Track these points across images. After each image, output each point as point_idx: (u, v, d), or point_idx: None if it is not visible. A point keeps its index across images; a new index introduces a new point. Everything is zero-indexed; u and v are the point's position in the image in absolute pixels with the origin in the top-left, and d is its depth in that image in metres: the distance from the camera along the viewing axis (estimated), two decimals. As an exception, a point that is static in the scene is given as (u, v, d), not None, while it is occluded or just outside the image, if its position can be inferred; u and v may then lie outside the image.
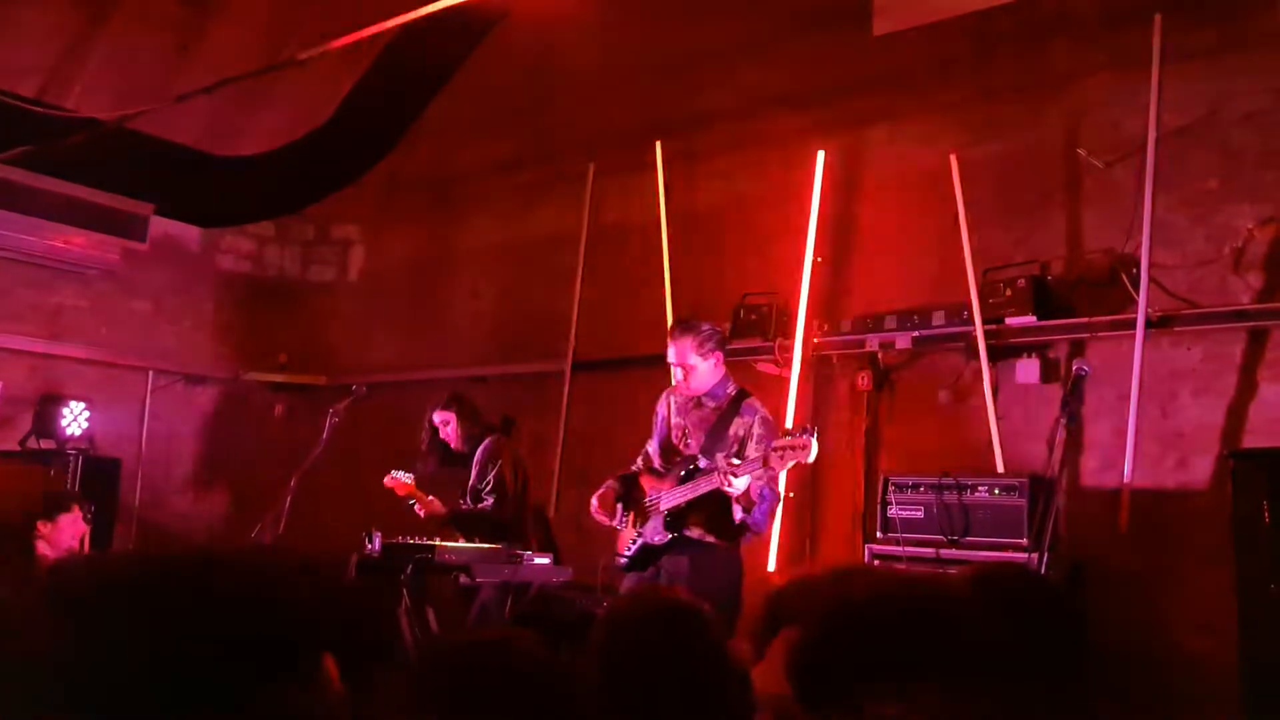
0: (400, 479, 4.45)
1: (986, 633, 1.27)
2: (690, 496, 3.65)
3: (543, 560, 3.78)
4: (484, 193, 6.57)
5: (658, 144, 5.61)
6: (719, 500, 3.61)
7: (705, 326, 3.84)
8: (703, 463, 3.69)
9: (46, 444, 5.42)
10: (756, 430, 3.75)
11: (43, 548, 3.85)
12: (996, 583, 1.92)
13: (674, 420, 3.92)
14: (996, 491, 4.07)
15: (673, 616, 1.75)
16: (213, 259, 6.82)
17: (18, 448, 5.45)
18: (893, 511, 4.23)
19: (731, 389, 3.88)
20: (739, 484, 3.46)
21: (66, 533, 3.90)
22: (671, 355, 3.81)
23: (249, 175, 6.53)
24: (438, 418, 4.62)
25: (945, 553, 4.02)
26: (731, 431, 3.77)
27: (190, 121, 5.99)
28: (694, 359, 3.77)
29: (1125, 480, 4.13)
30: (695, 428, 3.86)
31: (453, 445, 4.55)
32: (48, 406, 5.49)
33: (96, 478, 5.11)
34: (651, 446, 4.00)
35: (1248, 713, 3.08)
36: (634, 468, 3.98)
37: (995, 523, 4.04)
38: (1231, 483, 3.23)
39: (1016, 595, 1.86)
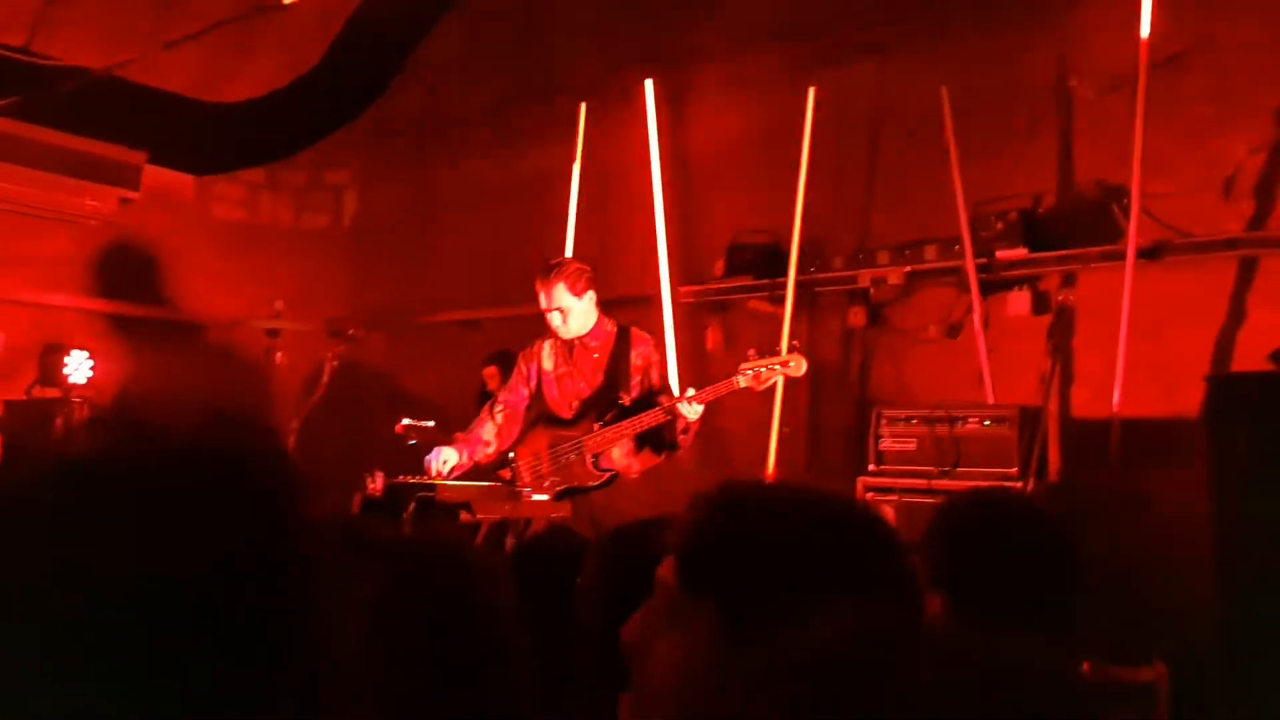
0: (419, 425, 4.48)
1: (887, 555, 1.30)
2: (629, 434, 3.79)
3: (541, 497, 3.87)
4: (475, 135, 6.55)
5: (648, 83, 5.59)
6: (647, 433, 3.82)
7: (573, 265, 3.92)
8: (625, 401, 3.83)
9: (52, 392, 5.49)
10: (653, 356, 3.97)
11: None
12: (990, 506, 1.98)
13: (559, 370, 4.00)
14: (987, 423, 4.13)
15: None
16: (206, 207, 6.83)
17: (24, 396, 5.53)
18: (884, 444, 4.30)
19: (610, 326, 4.00)
20: (699, 410, 3.64)
21: None
22: (543, 301, 3.89)
23: (239, 122, 6.50)
24: (485, 372, 4.74)
25: (937, 483, 4.09)
26: (632, 365, 3.90)
27: (180, 69, 5.96)
28: (568, 300, 3.86)
29: (1115, 410, 4.18)
30: (587, 371, 3.95)
31: None
32: (51, 356, 5.54)
33: (103, 424, 5.18)
34: (512, 399, 4.06)
35: (1219, 623, 3.18)
36: (485, 416, 4.07)
37: (986, 453, 4.11)
38: (1208, 407, 3.28)
39: (1009, 517, 1.92)
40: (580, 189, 5.86)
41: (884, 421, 4.33)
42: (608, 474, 3.88)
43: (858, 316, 4.93)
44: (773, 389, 4.36)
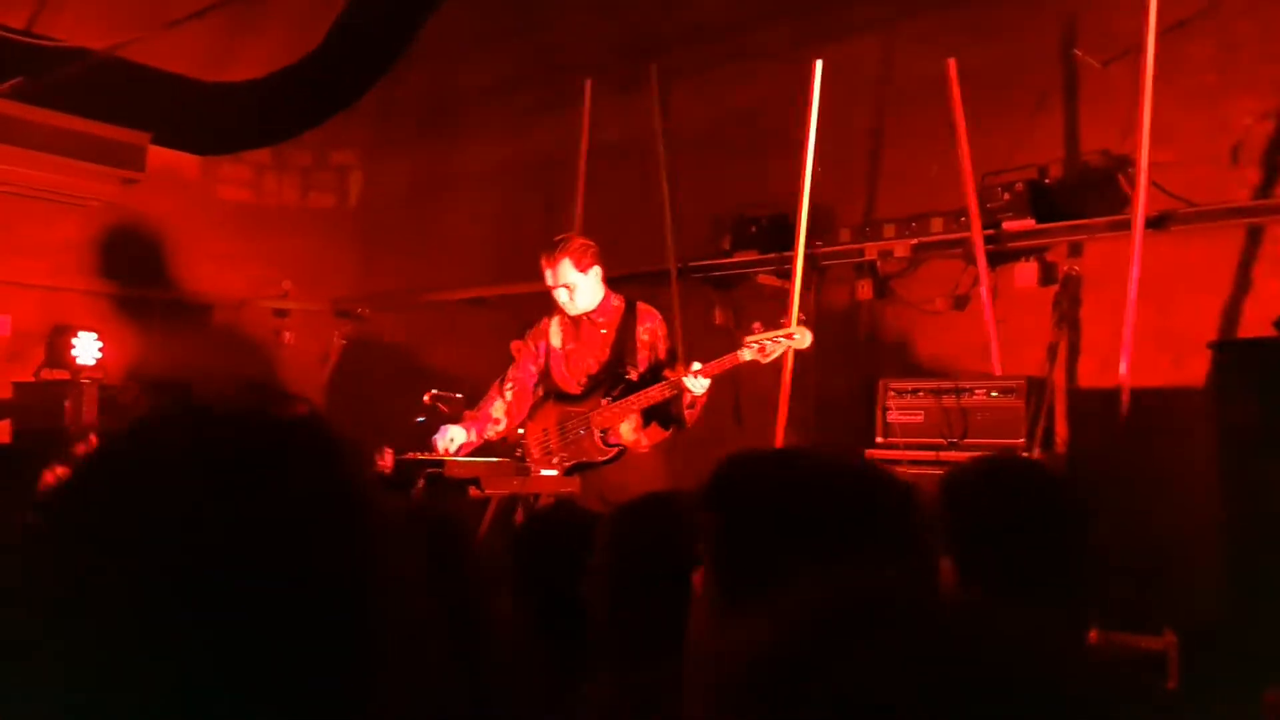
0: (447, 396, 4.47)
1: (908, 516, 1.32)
2: (638, 407, 3.81)
3: (550, 472, 3.89)
4: (481, 114, 6.53)
5: (653, 66, 5.57)
6: (655, 407, 3.85)
7: (577, 241, 3.93)
8: (633, 376, 3.84)
9: (60, 374, 5.52)
10: (660, 330, 3.98)
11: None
12: (999, 470, 1.98)
13: (567, 346, 4.02)
14: (994, 394, 4.14)
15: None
16: (212, 188, 6.83)
17: (33, 378, 5.55)
18: (892, 416, 4.31)
19: (617, 301, 4.02)
20: (706, 384, 3.66)
21: None
22: (549, 278, 3.91)
23: (244, 102, 6.49)
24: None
25: (944, 455, 4.10)
26: (639, 339, 3.91)
27: (183, 49, 5.94)
28: (574, 276, 3.88)
29: (1122, 379, 4.19)
30: (595, 347, 3.97)
31: None
32: (59, 337, 5.56)
33: (111, 407, 5.21)
34: (520, 376, 4.09)
35: (1228, 591, 3.19)
36: (494, 393, 4.08)
37: (993, 424, 4.11)
38: (1214, 374, 3.29)
39: (1018, 480, 1.93)
40: (587, 166, 5.85)
41: (891, 394, 4.34)
42: (616, 449, 3.91)
43: (865, 289, 4.93)
44: (779, 362, 4.37)
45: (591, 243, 4.00)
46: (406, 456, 3.85)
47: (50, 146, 5.62)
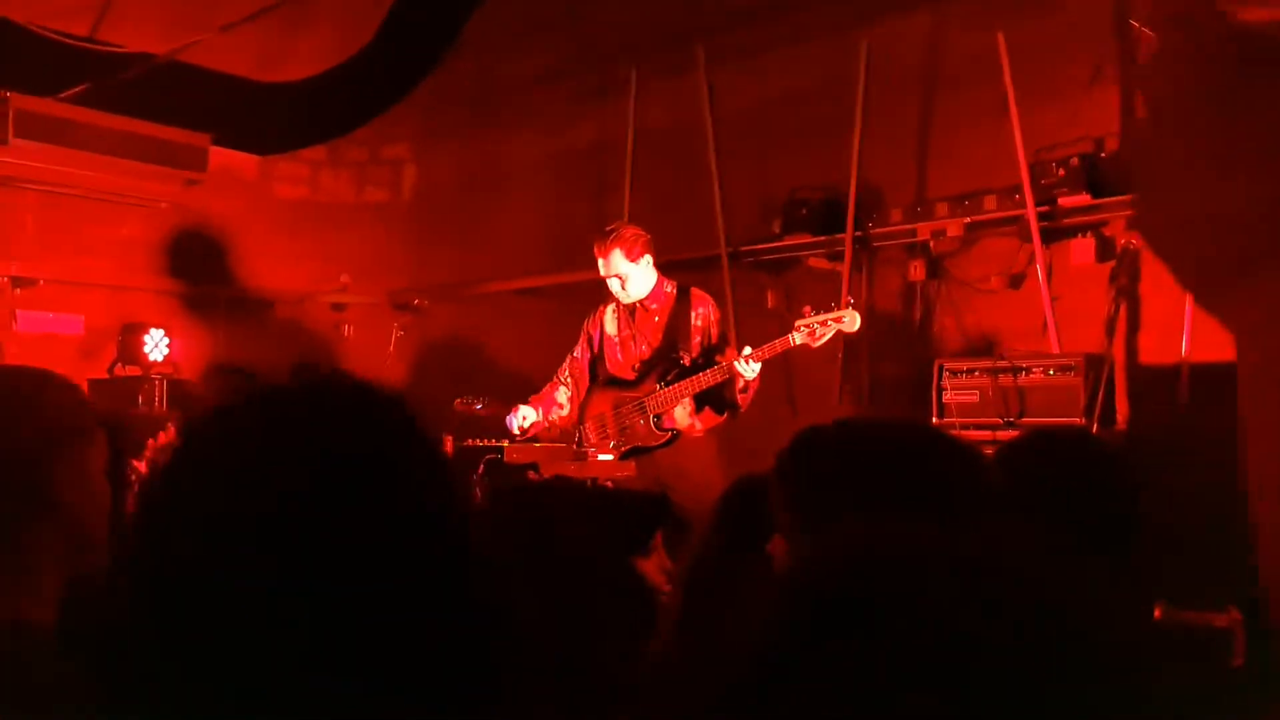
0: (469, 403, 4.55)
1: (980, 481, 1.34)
2: (690, 392, 3.83)
3: (606, 457, 3.94)
4: (529, 104, 6.59)
5: (700, 50, 5.57)
6: (709, 391, 3.87)
7: (628, 231, 3.95)
8: (685, 361, 3.86)
9: (132, 370, 5.69)
10: (713, 315, 4.00)
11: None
12: (1056, 442, 1.98)
13: (622, 333, 4.04)
14: (1051, 372, 4.10)
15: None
16: (270, 186, 6.98)
17: (106, 375, 5.73)
18: (948, 397, 4.29)
19: (670, 287, 4.04)
20: (757, 368, 3.67)
21: None
22: (602, 268, 3.95)
23: (298, 100, 6.62)
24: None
25: (1001, 434, 4.07)
26: (692, 325, 3.93)
27: (238, 51, 6.07)
28: (625, 266, 3.91)
29: (1183, 355, 4.12)
30: (649, 333, 4.00)
31: None
32: (130, 335, 5.73)
33: (182, 400, 5.37)
34: (580, 357, 4.12)
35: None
36: (556, 380, 4.12)
37: (1051, 403, 4.08)
38: None
39: (1075, 452, 1.93)
40: (636, 153, 5.88)
41: (946, 374, 4.32)
42: (669, 434, 3.94)
43: (918, 270, 4.90)
44: (832, 346, 4.37)
45: (643, 232, 4.04)
46: (466, 444, 3.93)
47: (115, 150, 5.78)
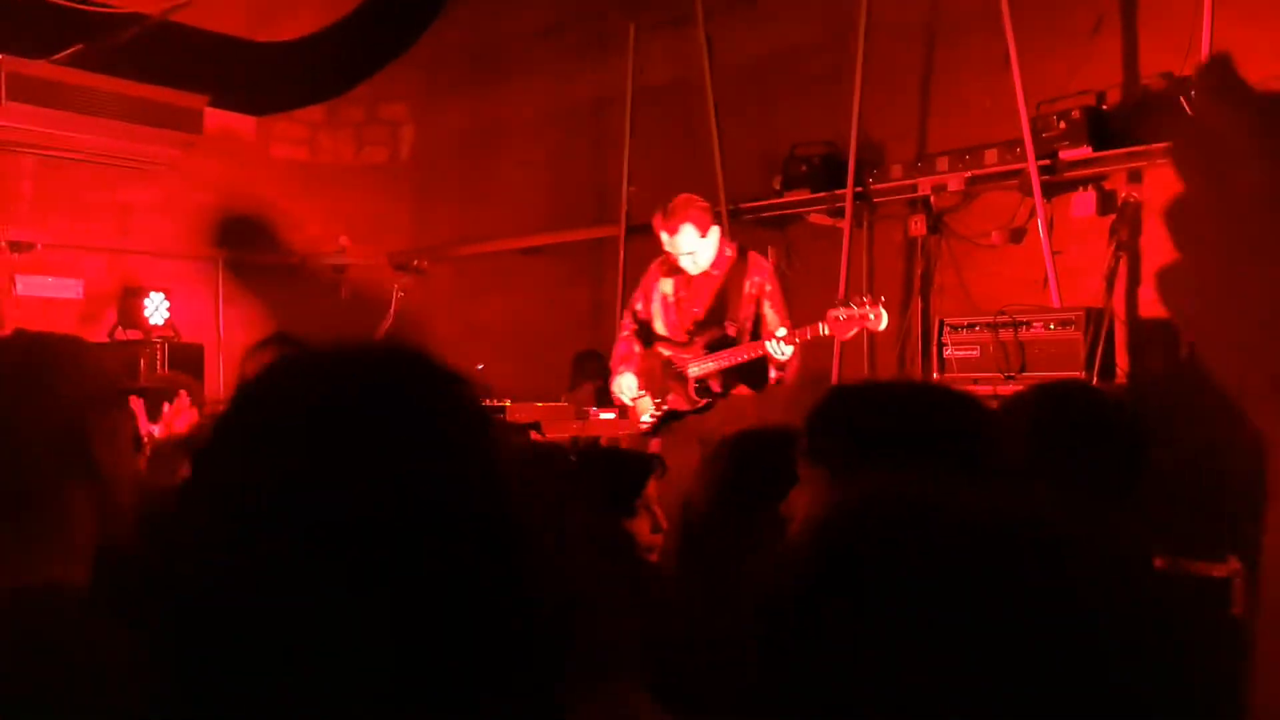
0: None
1: (1003, 443, 1.37)
2: (725, 365, 3.80)
3: (608, 415, 3.95)
4: (527, 61, 6.53)
5: (699, 3, 5.51)
6: (751, 363, 3.77)
7: (696, 205, 3.88)
8: (731, 331, 3.82)
9: (133, 334, 5.70)
10: (768, 286, 3.88)
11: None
12: (1058, 395, 1.99)
13: (679, 294, 4.00)
14: (1052, 326, 4.10)
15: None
16: (267, 147, 6.95)
17: (107, 339, 5.75)
18: (949, 352, 4.30)
19: (730, 250, 3.97)
20: (789, 351, 3.61)
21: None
22: (668, 244, 3.86)
23: (295, 60, 6.56)
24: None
25: (1002, 389, 4.08)
26: (745, 292, 3.87)
27: (233, 10, 6.02)
28: (696, 241, 3.83)
29: (1184, 307, 4.12)
30: (703, 296, 3.95)
31: None
32: (130, 299, 5.74)
33: (183, 363, 5.38)
34: (642, 310, 4.08)
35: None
36: (625, 334, 4.12)
37: (1052, 357, 4.08)
38: None
39: (1077, 405, 1.94)
40: (635, 109, 5.83)
41: (947, 329, 4.32)
42: (706, 400, 3.91)
43: (919, 225, 4.88)
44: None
45: (707, 204, 3.98)
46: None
47: (110, 112, 5.75)
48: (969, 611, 0.57)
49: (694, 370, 3.88)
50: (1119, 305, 4.25)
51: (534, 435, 3.79)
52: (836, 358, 4.84)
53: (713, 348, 3.87)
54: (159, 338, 5.60)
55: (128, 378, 5.14)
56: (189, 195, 6.47)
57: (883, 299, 3.76)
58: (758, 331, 3.86)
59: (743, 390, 3.91)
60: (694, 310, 3.97)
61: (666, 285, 4.05)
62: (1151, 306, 4.33)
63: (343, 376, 0.70)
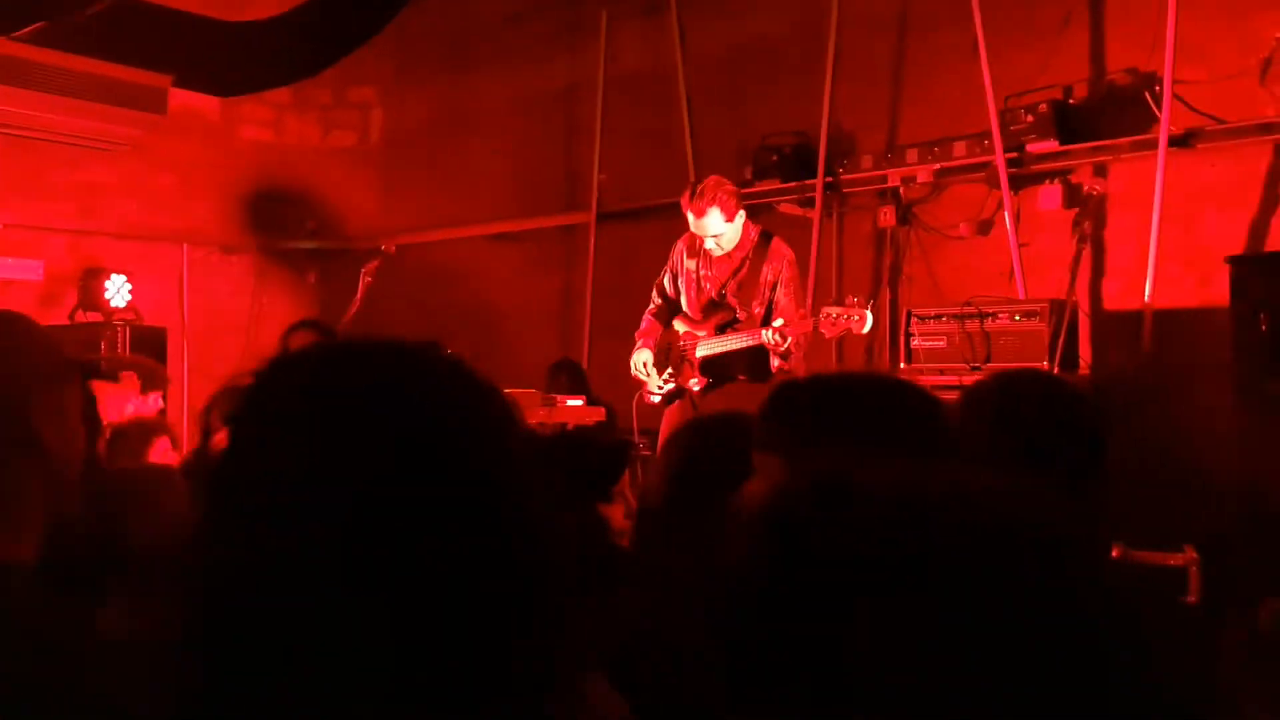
0: None
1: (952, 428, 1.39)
2: (729, 349, 3.79)
3: (575, 402, 3.95)
4: (498, 45, 6.49)
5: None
6: (755, 350, 3.78)
7: (724, 188, 3.83)
8: (740, 315, 3.81)
9: (93, 316, 5.62)
10: (785, 274, 3.87)
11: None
12: (1018, 383, 2.01)
13: (702, 271, 3.99)
14: (1017, 317, 4.13)
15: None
16: (234, 129, 6.86)
17: (67, 320, 5.66)
18: (916, 343, 4.33)
19: (753, 233, 3.95)
20: (784, 342, 3.62)
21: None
22: (694, 226, 3.82)
23: (262, 41, 6.48)
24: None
25: (968, 379, 4.12)
26: (763, 278, 3.86)
27: (199, -12, 5.94)
28: (723, 225, 3.80)
29: (1146, 301, 4.18)
30: (722, 276, 3.95)
31: None
32: (91, 280, 5.65)
33: (145, 347, 5.31)
34: (667, 285, 4.08)
35: (1243, 505, 3.22)
36: (652, 307, 4.10)
37: (1017, 348, 4.12)
38: (1232, 289, 3.28)
39: (1036, 394, 1.96)
40: (607, 96, 5.82)
41: (914, 320, 4.35)
42: (707, 381, 3.91)
43: (888, 216, 4.91)
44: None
45: (734, 186, 3.93)
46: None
47: (72, 90, 5.65)
48: (916, 588, 0.57)
49: (700, 351, 3.88)
50: (1082, 297, 4.30)
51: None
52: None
53: (722, 329, 3.87)
54: (120, 320, 5.52)
55: (88, 358, 5.07)
56: (152, 176, 6.38)
57: (872, 302, 3.76)
58: (769, 318, 3.84)
59: (746, 376, 3.90)
60: (709, 290, 3.95)
61: (690, 263, 4.04)
62: (1116, 300, 4.39)
63: (377, 371, 0.70)
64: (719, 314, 3.90)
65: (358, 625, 0.61)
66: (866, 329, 3.68)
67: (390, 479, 0.64)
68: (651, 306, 4.15)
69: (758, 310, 3.86)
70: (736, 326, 3.85)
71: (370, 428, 0.65)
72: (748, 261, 3.89)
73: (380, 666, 0.61)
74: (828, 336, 3.73)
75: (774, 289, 3.87)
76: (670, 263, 4.13)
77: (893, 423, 1.29)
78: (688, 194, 3.86)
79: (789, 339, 3.70)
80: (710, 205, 3.76)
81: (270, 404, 0.69)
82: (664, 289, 4.13)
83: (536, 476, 0.71)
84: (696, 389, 3.89)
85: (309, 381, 0.70)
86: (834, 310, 3.66)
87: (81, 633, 0.93)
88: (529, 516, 0.68)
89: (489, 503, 0.67)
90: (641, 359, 4.01)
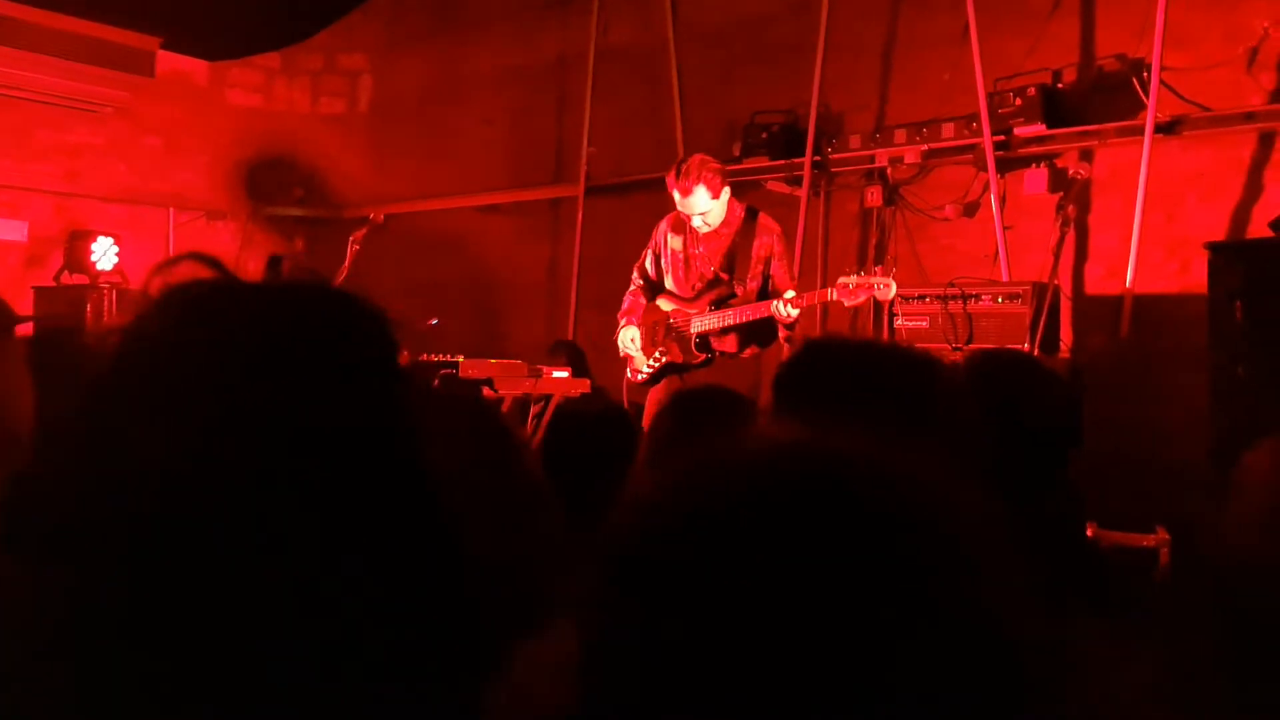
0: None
1: (964, 404, 1.41)
2: (729, 323, 3.82)
3: (561, 373, 3.97)
4: (489, 15, 6.46)
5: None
6: (758, 323, 3.82)
7: (709, 166, 3.85)
8: (737, 290, 3.83)
9: (79, 279, 5.59)
10: (776, 247, 3.91)
11: None
12: (997, 363, 2.04)
13: (687, 250, 4.00)
14: (1000, 300, 4.17)
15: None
16: (222, 93, 6.81)
17: (53, 283, 5.63)
18: (899, 322, 4.36)
19: (740, 210, 3.97)
20: (795, 313, 3.65)
21: None
22: (681, 205, 3.84)
23: (251, 4, 6.43)
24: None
25: (952, 360, 4.16)
26: (754, 254, 3.88)
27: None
28: (709, 202, 3.81)
29: (1127, 286, 4.22)
30: (712, 253, 3.97)
31: None
32: (77, 242, 5.62)
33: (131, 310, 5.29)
34: (649, 267, 4.10)
35: (1214, 489, 3.26)
36: (634, 288, 4.12)
37: (999, 330, 4.16)
38: (1210, 275, 3.32)
39: (1015, 374, 1.99)
40: (598, 69, 5.81)
41: (898, 300, 4.38)
42: (706, 355, 3.94)
43: (875, 196, 4.93)
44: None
45: (718, 163, 3.94)
46: (421, 359, 3.94)
47: (59, 51, 5.60)
48: (892, 560, 0.56)
49: (696, 326, 3.90)
50: (1065, 281, 4.35)
51: (486, 392, 3.81)
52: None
53: (718, 305, 3.89)
54: (107, 283, 5.50)
55: (74, 321, 5.06)
56: (139, 139, 6.34)
57: (894, 270, 3.79)
58: (764, 292, 3.87)
59: (747, 350, 3.93)
60: (701, 268, 3.97)
61: (675, 242, 4.04)
62: (1098, 284, 4.44)
63: (244, 309, 0.67)
64: (715, 290, 3.92)
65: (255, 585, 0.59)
66: (892, 294, 3.74)
67: (269, 428, 0.61)
68: (633, 287, 4.16)
69: (752, 285, 3.89)
70: (732, 302, 3.88)
71: (244, 375, 0.63)
72: (738, 237, 3.91)
73: (287, 627, 0.59)
74: (848, 305, 3.77)
75: (767, 263, 3.91)
76: (652, 243, 4.14)
77: (909, 393, 1.29)
78: (673, 173, 3.86)
79: (798, 310, 3.73)
80: (696, 183, 3.77)
81: (150, 349, 0.66)
82: (645, 270, 4.14)
83: (437, 424, 0.68)
84: (688, 361, 3.92)
85: (189, 328, 0.66)
86: (851, 279, 3.70)
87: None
88: (414, 462, 0.65)
89: (377, 451, 0.64)
90: (629, 335, 4.03)
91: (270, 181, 6.70)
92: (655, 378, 3.99)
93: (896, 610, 0.52)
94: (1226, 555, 0.90)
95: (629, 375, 4.10)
